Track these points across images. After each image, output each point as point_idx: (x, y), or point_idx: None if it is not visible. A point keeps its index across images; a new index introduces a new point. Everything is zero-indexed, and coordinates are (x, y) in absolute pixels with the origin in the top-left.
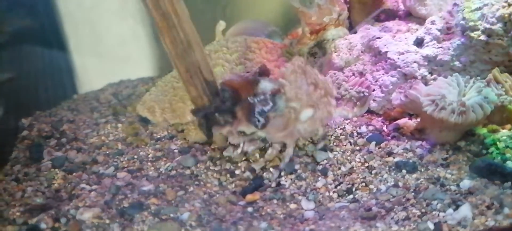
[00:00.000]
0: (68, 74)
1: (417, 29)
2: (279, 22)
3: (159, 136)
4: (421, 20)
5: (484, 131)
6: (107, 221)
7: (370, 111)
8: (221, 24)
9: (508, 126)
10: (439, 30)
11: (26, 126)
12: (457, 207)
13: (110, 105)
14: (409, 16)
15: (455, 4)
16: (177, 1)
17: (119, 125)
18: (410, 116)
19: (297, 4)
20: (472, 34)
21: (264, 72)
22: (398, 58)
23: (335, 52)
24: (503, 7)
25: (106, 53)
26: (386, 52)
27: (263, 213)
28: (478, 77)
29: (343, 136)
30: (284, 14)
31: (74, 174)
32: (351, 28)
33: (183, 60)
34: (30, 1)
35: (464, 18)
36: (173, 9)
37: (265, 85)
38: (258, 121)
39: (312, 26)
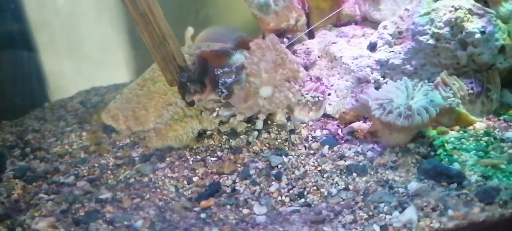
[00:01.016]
0: (40, 82)
1: (371, 34)
2: (250, 27)
3: (121, 144)
4: (376, 25)
5: (433, 132)
6: (62, 230)
7: (326, 115)
8: (190, 31)
9: (457, 128)
10: (390, 34)
11: None
12: (403, 209)
13: (77, 113)
14: (365, 21)
15: (406, 9)
16: (153, 3)
17: (84, 134)
18: (365, 119)
19: (255, 11)
20: (421, 38)
21: (241, 45)
22: (352, 63)
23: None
24: (450, 11)
25: (81, 60)
26: (341, 57)
27: (215, 219)
28: (426, 81)
29: (299, 140)
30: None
31: (34, 184)
32: (310, 33)
33: (160, 51)
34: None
35: (414, 23)
36: (149, 10)
37: (237, 58)
38: (222, 91)
39: (270, 32)
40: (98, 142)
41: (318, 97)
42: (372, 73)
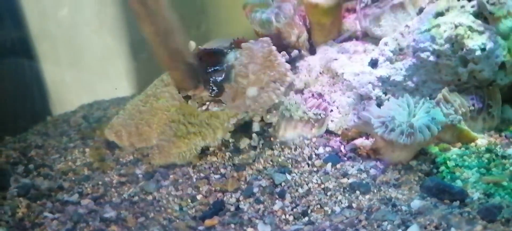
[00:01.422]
0: (42, 94)
1: (373, 50)
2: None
3: (125, 161)
4: (377, 41)
5: (435, 149)
6: None
7: (328, 132)
8: (191, 45)
9: (459, 144)
10: (391, 51)
11: None
12: (406, 228)
13: (79, 128)
14: (366, 36)
15: (406, 26)
16: None
17: (87, 150)
18: (367, 136)
19: (257, 27)
20: (422, 55)
21: (237, 45)
22: (354, 79)
23: (295, 74)
24: (451, 28)
25: (83, 72)
26: (343, 73)
27: None
28: (428, 97)
29: (301, 158)
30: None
31: (38, 202)
32: (312, 49)
33: (165, 46)
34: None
35: (414, 40)
36: None
37: (230, 57)
38: (213, 89)
39: None
40: (101, 158)
41: (320, 114)
42: (373, 89)
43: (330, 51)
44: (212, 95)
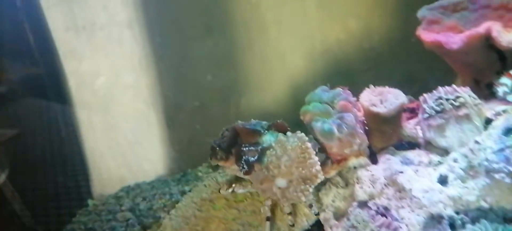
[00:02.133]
0: (83, 175)
1: (438, 162)
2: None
3: None
4: (440, 151)
5: None
6: None
7: None
8: None
9: None
10: (462, 169)
11: None
12: None
13: (128, 224)
14: (429, 145)
15: (476, 142)
16: None
17: None
18: None
19: (317, 136)
20: (497, 177)
21: (278, 127)
22: (423, 197)
23: (358, 184)
24: None
25: (118, 141)
26: (411, 189)
27: None
28: (503, 221)
29: None
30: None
31: None
32: (372, 155)
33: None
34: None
35: (487, 159)
36: None
37: (267, 139)
38: (243, 167)
39: (333, 156)
40: None
41: None
42: (445, 209)
43: (394, 162)
44: (242, 172)
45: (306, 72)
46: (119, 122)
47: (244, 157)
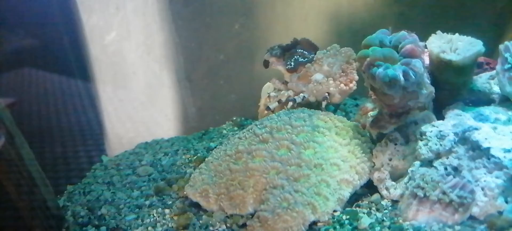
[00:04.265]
0: (96, 130)
1: None
2: None
3: (215, 230)
4: None
5: None
6: None
7: (471, 218)
8: (270, 87)
9: None
10: None
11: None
12: None
13: (150, 179)
14: (506, 101)
15: None
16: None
17: (166, 211)
18: None
19: (378, 85)
20: None
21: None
22: (505, 157)
23: (422, 141)
24: None
25: (133, 100)
26: (489, 148)
27: None
28: None
29: None
30: None
31: None
32: (436, 110)
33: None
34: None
35: None
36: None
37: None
38: (290, 64)
39: (393, 109)
40: (186, 224)
41: (466, 197)
42: None
43: (466, 117)
44: (287, 69)
45: (330, 35)
46: (133, 76)
47: (295, 57)
